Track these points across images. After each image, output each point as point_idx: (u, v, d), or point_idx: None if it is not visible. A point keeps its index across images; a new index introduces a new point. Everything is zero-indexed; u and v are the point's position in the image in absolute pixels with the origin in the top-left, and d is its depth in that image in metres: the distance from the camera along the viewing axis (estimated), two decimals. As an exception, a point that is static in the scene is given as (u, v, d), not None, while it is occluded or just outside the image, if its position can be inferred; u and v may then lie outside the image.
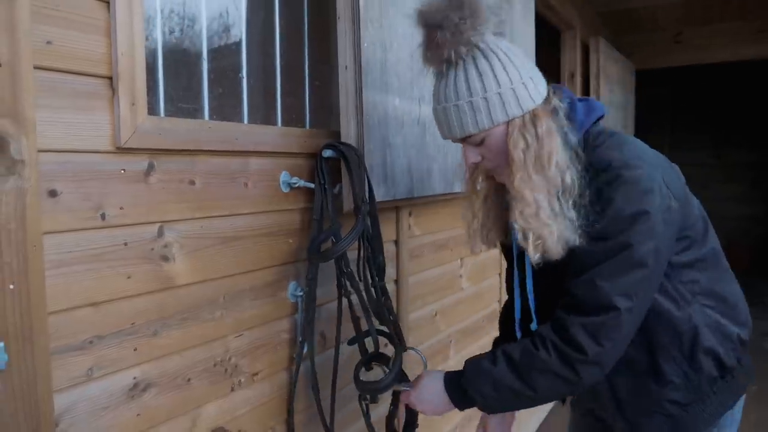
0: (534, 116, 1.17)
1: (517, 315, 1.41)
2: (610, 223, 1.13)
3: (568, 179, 1.15)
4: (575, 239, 1.14)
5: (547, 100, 1.20)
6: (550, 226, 1.14)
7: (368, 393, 1.43)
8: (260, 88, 1.65)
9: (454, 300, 2.45)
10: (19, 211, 0.94)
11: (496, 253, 2.81)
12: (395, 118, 1.71)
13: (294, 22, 1.76)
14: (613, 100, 4.54)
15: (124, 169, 1.13)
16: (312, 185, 1.54)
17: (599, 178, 1.15)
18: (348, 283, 1.49)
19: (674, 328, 1.22)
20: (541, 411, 3.46)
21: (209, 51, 1.47)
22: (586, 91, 4.31)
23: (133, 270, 1.15)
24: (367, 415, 1.55)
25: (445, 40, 1.15)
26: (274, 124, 1.65)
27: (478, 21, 1.16)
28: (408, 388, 1.38)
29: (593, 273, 1.13)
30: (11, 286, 0.94)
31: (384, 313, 1.51)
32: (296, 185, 1.53)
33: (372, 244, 1.54)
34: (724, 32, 5.07)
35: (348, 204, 1.54)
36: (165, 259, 1.21)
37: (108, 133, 1.10)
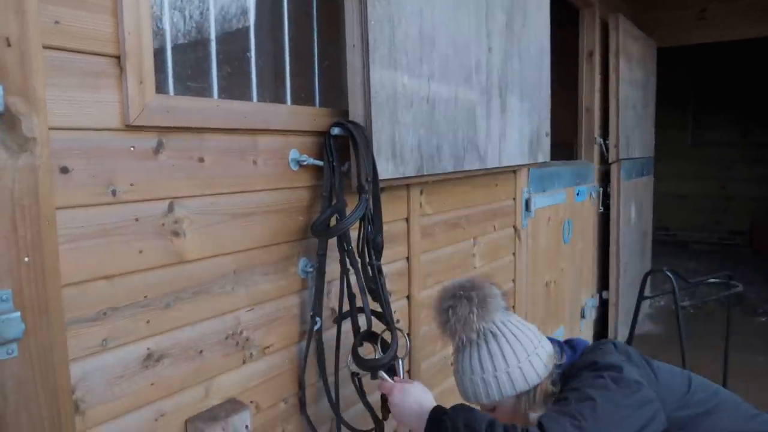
0: (539, 389, 1.40)
1: None
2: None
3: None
4: None
5: (552, 356, 1.43)
6: None
7: (366, 370, 1.47)
8: (270, 68, 1.67)
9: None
10: (32, 188, 0.98)
11: (509, 232, 2.81)
12: (404, 95, 1.71)
13: (303, 1, 1.77)
14: (633, 79, 4.45)
15: (133, 147, 1.16)
16: (321, 163, 1.56)
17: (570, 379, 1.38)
18: (348, 261, 1.51)
19: None
20: None
21: (218, 30, 1.49)
22: (605, 69, 4.24)
23: (144, 245, 1.19)
24: (361, 391, 1.59)
25: (457, 328, 1.40)
26: (284, 103, 1.67)
27: (486, 311, 1.39)
28: (388, 380, 1.42)
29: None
30: (26, 259, 0.98)
31: (378, 291, 1.54)
32: (305, 163, 1.55)
33: (372, 223, 1.56)
34: (751, 8, 4.92)
35: (355, 182, 1.55)
36: (176, 234, 1.24)
37: (117, 111, 1.12)
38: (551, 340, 1.50)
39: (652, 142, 5.13)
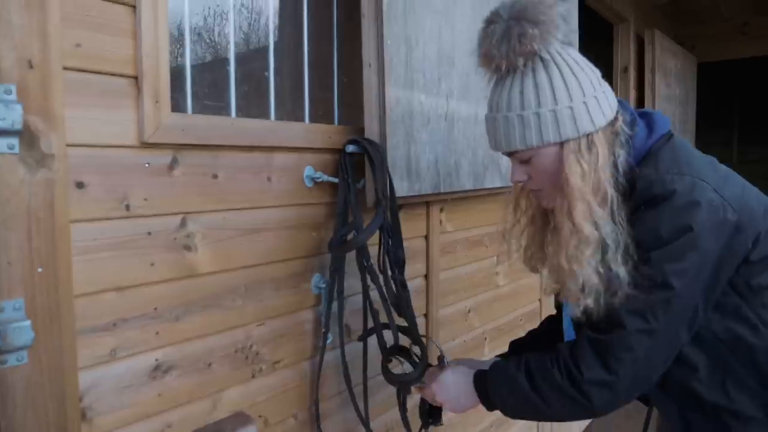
0: (590, 141, 1.08)
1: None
2: (643, 243, 1.05)
3: (613, 209, 1.07)
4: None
5: (611, 122, 1.11)
6: (595, 270, 1.07)
7: (398, 385, 1.45)
8: (289, 86, 1.71)
9: (489, 297, 2.43)
10: (48, 201, 1.02)
11: (535, 251, 2.77)
12: (421, 114, 1.72)
13: (323, 21, 1.80)
14: (671, 95, 4.36)
15: (148, 163, 1.20)
16: (336, 180, 1.58)
17: (636, 200, 1.07)
18: (368, 277, 1.52)
19: (750, 356, 1.09)
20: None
21: (237, 50, 1.53)
22: (640, 85, 4.16)
23: (156, 258, 1.22)
24: (403, 407, 1.57)
25: (508, 46, 1.07)
26: (302, 120, 1.70)
27: (546, 28, 1.06)
28: (422, 384, 1.40)
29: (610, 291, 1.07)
30: (40, 270, 1.02)
31: (402, 305, 1.53)
32: (320, 180, 1.57)
33: (392, 238, 1.57)
34: (796, 22, 4.77)
35: (371, 199, 1.56)
36: (187, 248, 1.28)
37: (133, 128, 1.17)
38: (622, 104, 1.17)
39: (691, 160, 4.98)
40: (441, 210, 2.08)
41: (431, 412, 1.49)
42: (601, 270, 1.07)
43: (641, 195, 1.06)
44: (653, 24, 4.31)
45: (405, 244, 1.89)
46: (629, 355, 1.05)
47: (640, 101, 4.12)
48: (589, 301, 1.08)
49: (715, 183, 1.05)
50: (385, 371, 1.49)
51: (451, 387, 1.32)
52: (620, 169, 1.09)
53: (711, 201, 1.03)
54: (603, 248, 1.07)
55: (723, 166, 1.17)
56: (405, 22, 1.64)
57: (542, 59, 1.08)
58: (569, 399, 1.10)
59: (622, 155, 1.09)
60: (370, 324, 1.59)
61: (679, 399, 1.16)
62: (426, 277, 2.04)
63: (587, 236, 1.06)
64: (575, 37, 1.01)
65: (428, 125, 1.75)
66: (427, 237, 2.03)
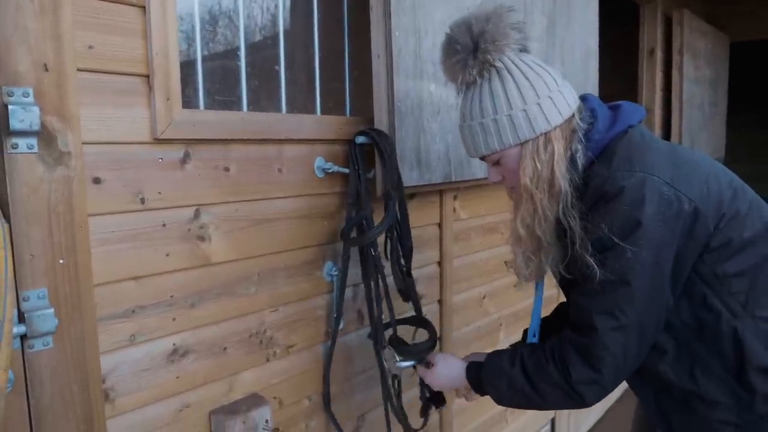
0: (547, 139, 1.14)
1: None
2: (596, 241, 1.09)
3: (566, 205, 1.13)
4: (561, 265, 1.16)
5: (569, 119, 1.16)
6: (540, 253, 1.19)
7: (409, 357, 1.47)
8: (300, 79, 1.74)
9: (505, 283, 2.45)
10: (66, 197, 1.09)
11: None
12: (430, 104, 1.74)
13: (334, 13, 1.83)
14: (700, 77, 4.25)
15: (161, 158, 1.26)
16: (346, 170, 1.62)
17: (587, 198, 1.12)
18: (374, 266, 1.56)
19: (717, 343, 1.12)
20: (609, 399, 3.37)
21: (247, 45, 1.58)
22: (668, 67, 4.07)
23: (171, 248, 1.28)
24: (398, 396, 1.62)
25: (463, 60, 1.16)
26: (314, 112, 1.74)
27: (497, 40, 1.14)
28: (422, 364, 1.44)
29: (578, 290, 1.14)
30: (61, 261, 1.09)
31: (409, 292, 1.58)
32: (331, 170, 1.61)
33: (400, 229, 1.60)
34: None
35: (380, 189, 1.60)
36: (201, 239, 1.34)
37: (146, 125, 1.22)
38: (587, 98, 1.23)
39: (722, 142, 4.86)
40: (454, 198, 2.10)
41: (433, 398, 1.53)
42: (533, 261, 1.20)
43: (594, 193, 1.10)
44: (682, 3, 4.19)
45: (418, 232, 1.93)
46: (606, 352, 1.09)
47: (668, 84, 4.03)
48: (522, 278, 1.26)
49: (669, 175, 1.08)
50: (397, 344, 1.52)
51: (444, 372, 1.39)
52: (579, 164, 1.14)
53: (662, 194, 1.06)
54: (540, 245, 1.18)
55: (690, 154, 1.19)
56: (414, 13, 1.65)
57: (497, 69, 1.16)
58: (563, 394, 1.16)
59: (579, 150, 1.14)
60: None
61: (651, 383, 1.20)
62: (439, 263, 2.07)
63: (519, 236, 1.20)
64: (531, 44, 1.09)
65: (438, 115, 1.77)
66: (440, 225, 2.06)
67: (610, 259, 1.07)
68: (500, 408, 2.48)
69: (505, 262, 1.32)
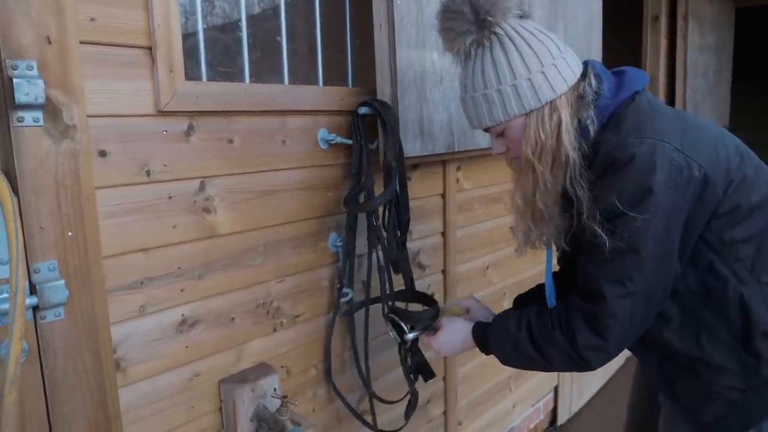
0: (553, 108, 1.12)
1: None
2: (605, 210, 1.07)
3: (574, 174, 1.11)
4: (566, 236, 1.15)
5: (575, 85, 1.14)
6: (546, 224, 1.18)
7: (418, 324, 1.48)
8: (301, 50, 1.73)
9: (508, 253, 2.46)
10: (73, 169, 1.10)
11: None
12: (433, 73, 1.73)
13: (335, -18, 1.80)
14: (705, 44, 4.19)
15: (165, 130, 1.26)
16: (350, 142, 1.62)
17: (596, 167, 1.10)
18: (376, 237, 1.57)
19: (723, 310, 1.12)
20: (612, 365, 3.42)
21: (249, 15, 1.56)
22: (672, 34, 4.01)
23: (177, 220, 1.29)
24: (406, 362, 1.64)
25: (461, 29, 1.13)
26: (316, 83, 1.73)
27: (499, 7, 1.11)
28: (427, 330, 1.46)
29: (586, 258, 1.13)
30: (70, 234, 1.10)
31: (401, 264, 1.60)
32: (334, 142, 1.61)
33: (399, 201, 1.61)
34: None
35: (382, 160, 1.60)
36: (207, 211, 1.35)
37: (149, 98, 1.22)
38: (591, 64, 1.19)
39: (726, 111, 4.82)
40: (458, 168, 2.11)
41: (420, 369, 1.55)
42: (533, 232, 1.21)
43: (603, 160, 1.08)
44: (687, -33, 4.11)
45: (421, 202, 1.95)
46: (614, 320, 1.10)
47: (672, 51, 3.98)
48: (522, 248, 1.27)
49: (678, 141, 1.06)
50: (399, 312, 1.52)
51: (449, 335, 1.39)
52: (590, 131, 1.12)
53: (672, 161, 1.04)
54: (541, 216, 1.17)
55: (696, 120, 1.17)
56: (415, -19, 1.63)
57: (498, 36, 1.12)
58: (569, 359, 1.17)
59: (586, 117, 1.12)
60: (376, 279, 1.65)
61: (655, 349, 1.21)
62: (443, 234, 2.08)
63: (518, 207, 1.21)
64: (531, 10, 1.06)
65: (441, 84, 1.76)
66: (443, 195, 2.06)
67: (620, 228, 1.06)
68: (504, 376, 2.53)
69: (511, 228, 1.29)
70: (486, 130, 1.23)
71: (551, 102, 1.12)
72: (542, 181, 1.14)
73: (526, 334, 1.22)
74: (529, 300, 1.48)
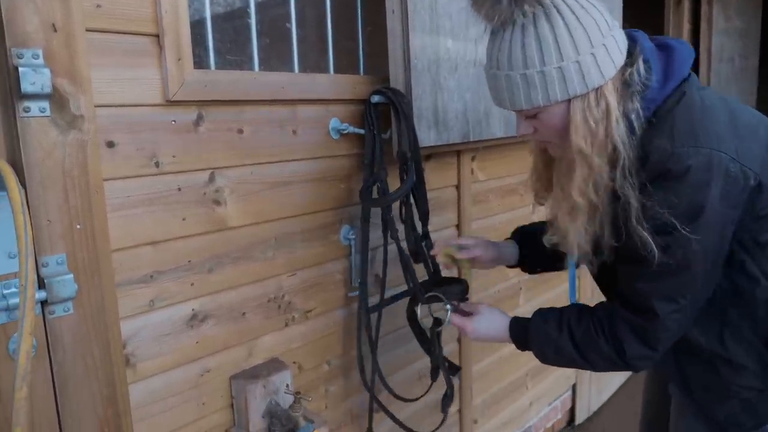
0: (599, 94, 1.00)
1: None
2: (655, 222, 1.00)
3: (625, 171, 1.01)
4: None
5: (621, 69, 1.02)
6: (588, 226, 1.07)
7: (454, 297, 1.41)
8: (311, 37, 1.69)
9: (524, 246, 2.41)
10: (81, 161, 1.07)
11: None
12: (448, 60, 1.68)
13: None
14: (731, 28, 4.07)
15: (174, 120, 1.23)
16: (362, 131, 1.58)
17: (647, 172, 1.00)
18: (389, 229, 1.54)
19: (749, 309, 1.09)
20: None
21: (257, 2, 1.52)
22: (696, 17, 3.90)
23: (187, 213, 1.27)
24: (439, 346, 1.55)
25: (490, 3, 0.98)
26: (326, 71, 1.69)
27: None
28: (449, 306, 1.37)
29: (635, 274, 1.07)
30: (78, 226, 1.08)
31: (422, 254, 1.56)
32: (346, 131, 1.57)
33: (416, 192, 1.57)
34: None
35: (396, 150, 1.56)
36: (217, 203, 1.32)
37: (158, 87, 1.19)
38: (637, 40, 1.06)
39: (753, 97, 4.69)
40: (472, 159, 2.06)
41: (450, 365, 1.51)
42: (588, 236, 1.07)
43: (655, 168, 0.99)
44: (710, -50, 3.99)
45: (436, 194, 1.90)
46: (667, 334, 1.09)
47: (695, 35, 3.88)
48: (580, 259, 1.14)
49: (734, 149, 0.99)
50: (432, 292, 1.42)
51: (486, 323, 1.31)
52: (636, 127, 1.01)
53: (728, 171, 0.98)
54: (595, 212, 1.06)
55: (747, 117, 1.09)
56: (429, -35, 1.58)
57: (543, 6, 0.98)
58: (614, 366, 1.16)
59: (631, 109, 1.01)
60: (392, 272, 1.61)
61: (675, 344, 1.17)
62: (458, 227, 2.04)
63: (577, 207, 1.05)
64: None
65: (456, 72, 1.71)
66: (458, 186, 2.02)
67: (672, 245, 0.99)
68: (520, 373, 2.48)
69: (558, 240, 1.15)
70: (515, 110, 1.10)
71: (598, 88, 1.00)
72: (597, 174, 1.02)
73: (568, 338, 1.19)
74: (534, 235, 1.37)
